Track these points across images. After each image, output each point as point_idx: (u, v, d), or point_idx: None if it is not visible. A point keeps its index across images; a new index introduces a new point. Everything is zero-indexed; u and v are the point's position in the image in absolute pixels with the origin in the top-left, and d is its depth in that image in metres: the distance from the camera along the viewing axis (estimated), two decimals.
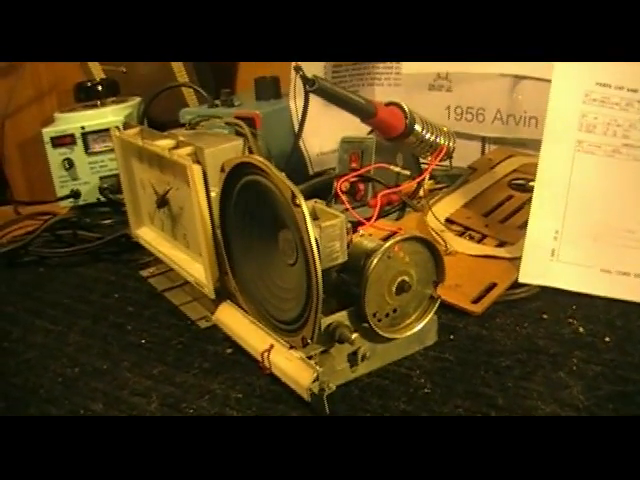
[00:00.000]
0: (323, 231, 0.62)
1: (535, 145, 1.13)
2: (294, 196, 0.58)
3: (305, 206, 0.58)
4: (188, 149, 0.77)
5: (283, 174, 0.60)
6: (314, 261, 0.58)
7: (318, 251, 0.59)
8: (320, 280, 0.59)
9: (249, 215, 0.69)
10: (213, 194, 0.74)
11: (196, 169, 0.74)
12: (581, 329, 0.75)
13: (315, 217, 0.64)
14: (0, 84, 1.57)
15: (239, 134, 0.88)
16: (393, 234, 0.79)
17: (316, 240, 0.59)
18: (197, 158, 0.76)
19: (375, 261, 0.64)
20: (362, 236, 0.70)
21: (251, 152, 0.81)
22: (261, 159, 0.62)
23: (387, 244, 0.65)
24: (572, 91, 0.82)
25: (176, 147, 0.80)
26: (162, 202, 0.87)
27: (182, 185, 0.82)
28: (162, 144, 0.81)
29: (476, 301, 0.81)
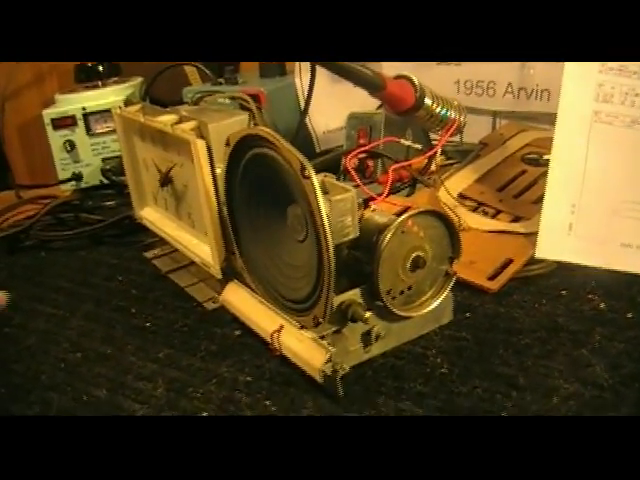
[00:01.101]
0: (333, 205, 0.59)
1: (547, 119, 1.11)
2: (303, 167, 0.55)
3: (315, 178, 0.55)
4: (191, 124, 0.74)
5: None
6: (325, 236, 0.56)
7: (329, 225, 0.56)
8: (332, 256, 0.56)
9: (256, 191, 0.66)
10: (218, 170, 0.72)
11: (200, 144, 0.72)
12: (602, 305, 0.73)
13: (325, 191, 0.61)
14: None
15: (244, 109, 0.85)
16: (406, 209, 0.76)
17: (327, 214, 0.56)
18: (201, 133, 0.73)
19: (388, 236, 0.61)
20: (374, 211, 0.68)
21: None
22: (268, 130, 0.60)
23: (401, 218, 0.62)
24: None
25: (179, 122, 0.77)
26: (165, 180, 0.84)
27: (186, 162, 0.79)
28: (164, 119, 0.79)
29: (492, 278, 0.78)
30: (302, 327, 0.65)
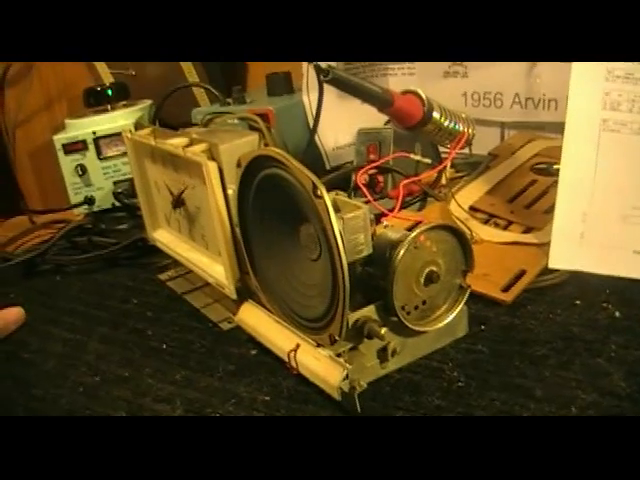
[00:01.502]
0: (346, 223, 0.59)
1: (555, 128, 1.11)
2: (315, 187, 0.56)
3: (327, 197, 0.55)
4: (202, 146, 0.75)
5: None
6: (339, 255, 0.56)
7: (342, 244, 0.56)
8: (346, 274, 0.56)
9: (268, 211, 0.67)
10: (230, 191, 0.72)
11: (212, 166, 0.72)
12: (617, 313, 0.72)
13: (337, 209, 0.61)
14: (9, 93, 1.57)
15: (253, 129, 0.86)
16: (417, 224, 0.77)
17: (340, 232, 0.56)
18: (212, 155, 0.74)
19: (402, 252, 0.62)
20: (386, 227, 0.68)
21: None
22: (279, 151, 0.60)
23: (413, 234, 0.62)
24: (594, 68, 0.79)
25: (190, 145, 0.78)
26: (178, 203, 0.85)
27: (198, 184, 0.80)
28: (175, 142, 0.79)
29: (506, 289, 0.78)
30: (318, 345, 0.65)
